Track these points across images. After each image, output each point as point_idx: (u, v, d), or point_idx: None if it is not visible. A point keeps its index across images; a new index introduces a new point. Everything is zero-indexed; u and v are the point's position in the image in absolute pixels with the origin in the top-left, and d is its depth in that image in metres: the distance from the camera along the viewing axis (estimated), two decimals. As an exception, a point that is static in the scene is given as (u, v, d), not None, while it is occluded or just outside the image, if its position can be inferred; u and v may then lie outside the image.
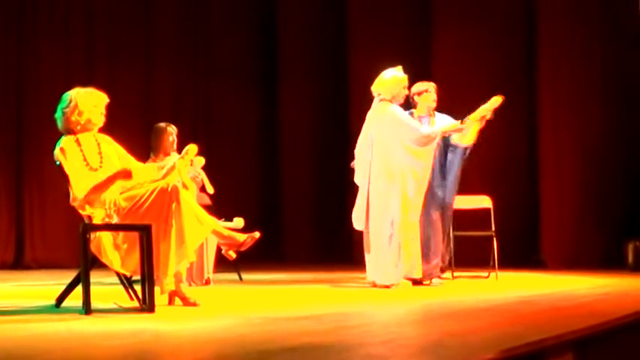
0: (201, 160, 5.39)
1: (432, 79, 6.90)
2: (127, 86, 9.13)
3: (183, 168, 5.44)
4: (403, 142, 6.10)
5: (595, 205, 8.55)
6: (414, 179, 6.08)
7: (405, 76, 6.24)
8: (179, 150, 5.68)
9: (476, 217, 7.09)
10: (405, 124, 6.14)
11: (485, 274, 7.04)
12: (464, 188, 6.74)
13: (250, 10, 10.57)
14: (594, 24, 8.64)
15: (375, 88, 6.25)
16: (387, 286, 5.95)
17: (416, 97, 6.48)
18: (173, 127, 6.50)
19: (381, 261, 6.02)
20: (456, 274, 6.79)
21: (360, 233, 6.27)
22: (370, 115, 6.27)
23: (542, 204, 8.70)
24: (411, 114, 6.40)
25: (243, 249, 4.86)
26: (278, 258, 9.84)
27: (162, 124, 6.50)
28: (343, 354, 3.17)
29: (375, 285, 6.04)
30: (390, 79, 6.20)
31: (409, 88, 6.39)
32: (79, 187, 4.51)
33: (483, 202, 7.18)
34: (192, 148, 5.03)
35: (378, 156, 6.14)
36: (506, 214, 7.91)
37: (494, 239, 6.96)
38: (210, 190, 6.64)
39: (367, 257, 6.15)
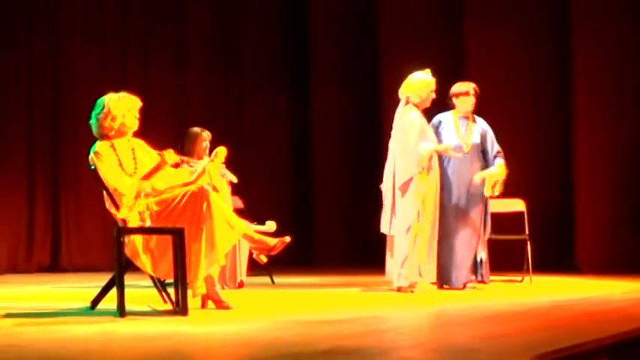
0: (223, 151, 5.35)
1: (466, 79, 6.82)
2: (160, 90, 9.22)
3: (213, 171, 5.48)
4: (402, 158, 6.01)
5: (630, 208, 8.44)
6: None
7: (433, 80, 6.13)
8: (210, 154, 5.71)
9: (510, 221, 7.04)
10: (406, 141, 5.99)
11: (519, 278, 6.99)
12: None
13: (281, 12, 10.61)
14: (630, 27, 8.54)
15: (403, 91, 6.14)
16: (405, 288, 5.91)
17: (454, 99, 6.37)
18: (208, 133, 6.53)
19: (399, 263, 5.97)
20: (489, 277, 6.72)
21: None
22: (395, 119, 6.18)
23: (576, 207, 8.61)
24: (438, 123, 6.35)
25: (273, 253, 4.88)
26: (309, 261, 9.86)
27: (197, 129, 6.53)
28: (375, 358, 3.17)
29: (399, 289, 5.99)
30: (418, 83, 6.10)
31: (446, 87, 6.34)
32: (124, 186, 4.53)
33: (517, 205, 7.12)
34: (221, 151, 5.05)
35: (394, 159, 6.08)
36: (540, 217, 7.85)
37: (528, 243, 6.91)
38: (234, 179, 6.65)
39: (389, 261, 6.10)
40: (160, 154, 4.64)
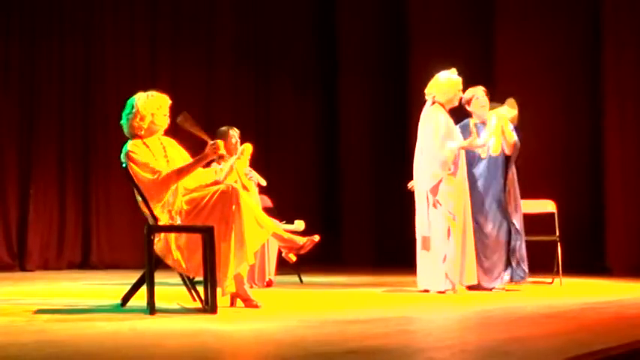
0: (249, 148, 5.37)
1: (495, 77, 6.77)
2: (189, 89, 9.28)
3: (240, 168, 5.50)
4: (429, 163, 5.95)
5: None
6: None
7: (460, 79, 6.07)
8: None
9: (540, 222, 6.98)
10: (432, 144, 5.93)
11: (550, 279, 6.93)
12: (529, 193, 6.63)
13: (309, 11, 10.63)
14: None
15: (429, 90, 6.09)
16: (442, 292, 5.86)
17: (467, 107, 6.30)
18: (235, 129, 6.58)
19: (432, 267, 5.92)
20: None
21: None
22: (421, 119, 6.12)
23: (607, 209, 8.52)
24: (465, 127, 6.29)
25: (302, 252, 4.88)
26: (338, 261, 9.86)
27: (225, 128, 6.58)
28: (403, 358, 3.16)
29: (427, 292, 5.93)
30: (445, 82, 6.04)
31: (466, 89, 6.28)
32: (163, 170, 4.55)
33: (547, 206, 7.07)
34: (247, 148, 5.06)
35: (420, 161, 6.03)
36: (571, 219, 7.78)
37: (559, 244, 6.85)
38: (263, 181, 6.66)
39: (420, 264, 6.03)
40: (210, 144, 4.62)
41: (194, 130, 4.71)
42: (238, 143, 6.49)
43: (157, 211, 4.56)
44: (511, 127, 6.23)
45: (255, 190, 6.63)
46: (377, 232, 10.11)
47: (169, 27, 9.50)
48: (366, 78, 10.35)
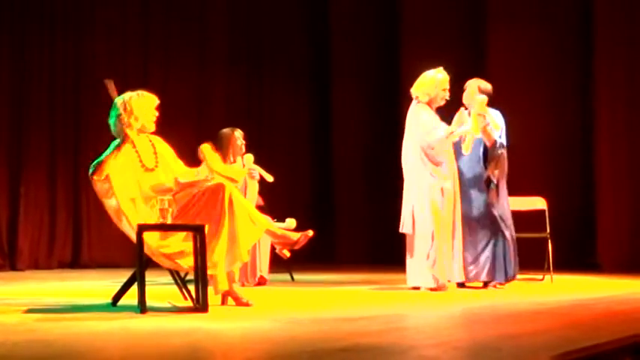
0: (250, 158, 5.42)
1: (487, 76, 6.76)
2: (181, 88, 9.27)
3: (239, 178, 5.53)
4: (423, 159, 5.90)
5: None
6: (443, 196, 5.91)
7: (446, 78, 5.97)
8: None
9: (530, 219, 7.00)
10: (420, 132, 5.89)
11: (540, 276, 6.95)
12: (518, 189, 6.64)
13: (302, 8, 10.62)
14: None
15: (415, 90, 6.03)
16: (436, 289, 5.85)
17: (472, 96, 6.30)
18: (239, 131, 6.54)
19: (420, 264, 5.90)
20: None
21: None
22: (407, 118, 6.07)
23: (597, 205, 8.55)
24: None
25: (296, 247, 4.88)
26: (330, 259, 9.86)
27: (228, 130, 6.54)
28: (395, 356, 3.16)
29: (416, 289, 5.93)
30: (429, 81, 5.97)
31: (462, 85, 6.26)
32: (121, 193, 4.56)
33: (538, 203, 7.08)
34: (254, 186, 5.03)
35: (411, 161, 6.01)
36: (561, 215, 7.80)
37: (549, 241, 6.87)
38: (270, 178, 6.64)
39: (409, 261, 6.01)
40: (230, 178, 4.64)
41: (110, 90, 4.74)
42: (244, 145, 6.47)
43: (146, 209, 4.55)
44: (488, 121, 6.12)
45: (256, 188, 6.61)
46: (370, 230, 10.12)
47: (161, 26, 9.47)
48: (359, 77, 10.36)
